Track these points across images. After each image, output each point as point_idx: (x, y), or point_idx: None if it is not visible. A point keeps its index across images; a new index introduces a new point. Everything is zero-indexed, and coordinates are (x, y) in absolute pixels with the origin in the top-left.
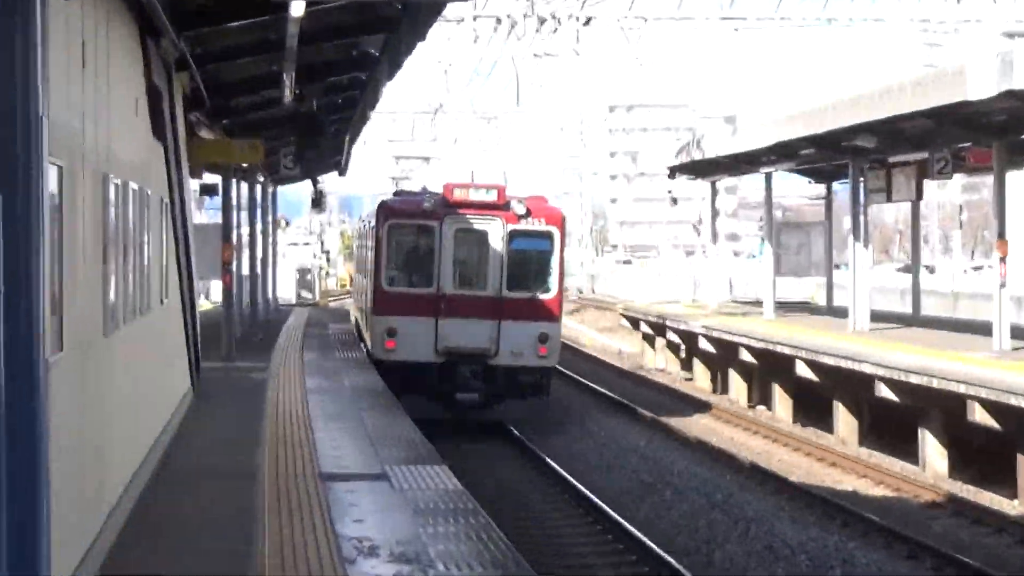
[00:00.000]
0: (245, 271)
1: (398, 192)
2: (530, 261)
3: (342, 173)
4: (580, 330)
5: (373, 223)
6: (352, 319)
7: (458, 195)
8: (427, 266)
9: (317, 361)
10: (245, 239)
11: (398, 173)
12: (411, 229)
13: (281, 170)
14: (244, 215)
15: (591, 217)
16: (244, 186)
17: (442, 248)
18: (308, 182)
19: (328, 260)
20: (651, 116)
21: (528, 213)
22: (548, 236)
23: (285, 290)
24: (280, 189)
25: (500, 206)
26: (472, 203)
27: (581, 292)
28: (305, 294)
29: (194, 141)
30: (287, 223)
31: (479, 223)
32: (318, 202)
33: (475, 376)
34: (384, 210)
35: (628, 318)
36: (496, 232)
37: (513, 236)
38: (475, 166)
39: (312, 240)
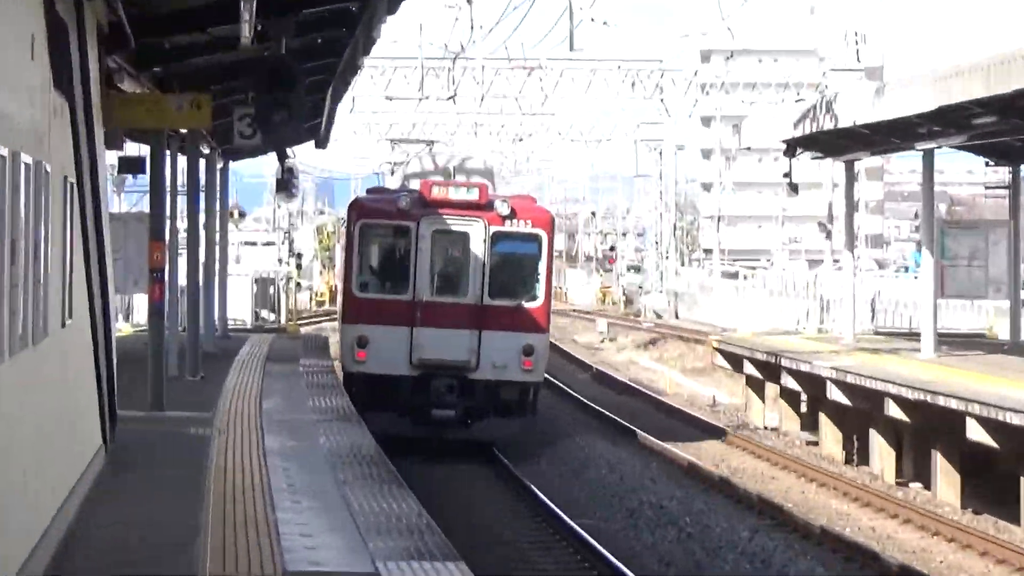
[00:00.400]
0: (182, 281)
1: (373, 189)
2: (514, 266)
3: (321, 144)
4: (659, 371)
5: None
6: (334, 351)
7: (436, 193)
8: (402, 270)
9: (282, 411)
10: (183, 236)
11: (399, 157)
12: (385, 230)
13: (236, 139)
14: (182, 202)
15: (674, 212)
16: (182, 161)
17: (419, 251)
18: (273, 157)
19: (299, 267)
20: (762, 68)
21: (513, 214)
22: (535, 239)
23: (239, 309)
24: (234, 166)
25: (482, 206)
26: (452, 202)
27: (660, 317)
28: (266, 315)
29: (113, 96)
30: (242, 214)
31: (459, 224)
32: (286, 185)
33: (451, 391)
34: (356, 209)
35: (726, 355)
36: (477, 234)
37: (496, 239)
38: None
39: (277, 239)
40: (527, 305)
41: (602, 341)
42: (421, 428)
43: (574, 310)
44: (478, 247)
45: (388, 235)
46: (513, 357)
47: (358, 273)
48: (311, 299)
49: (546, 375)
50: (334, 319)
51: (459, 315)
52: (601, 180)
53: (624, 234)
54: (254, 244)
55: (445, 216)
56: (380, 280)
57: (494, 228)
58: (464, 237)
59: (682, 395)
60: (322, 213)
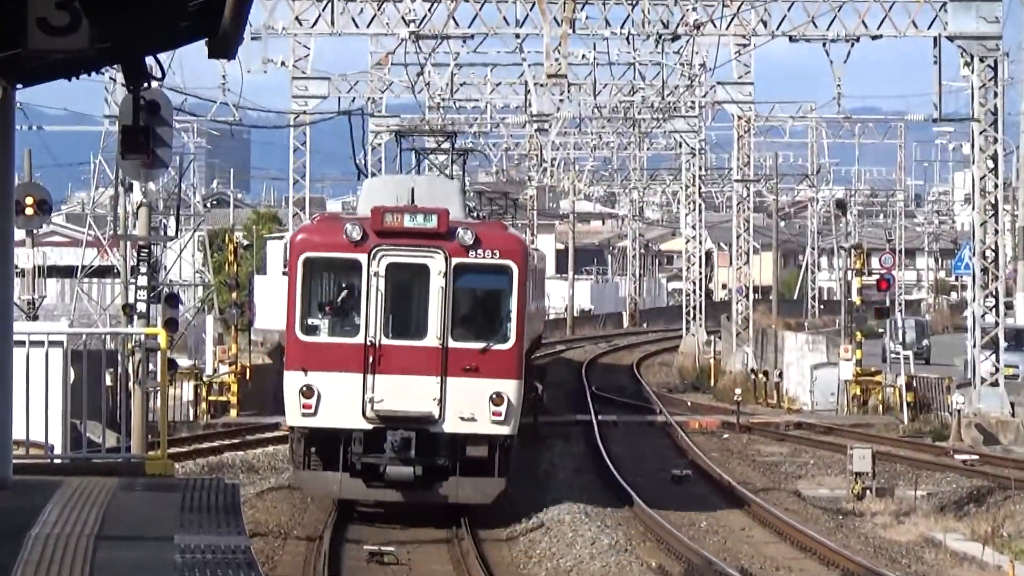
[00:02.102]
0: None
1: (322, 217)
2: (481, 303)
3: (224, 48)
4: (989, 564)
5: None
6: (256, 516)
7: (390, 221)
8: (353, 310)
9: None
10: None
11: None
12: (332, 264)
13: (33, 36)
14: None
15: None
16: None
17: (371, 288)
18: (113, 75)
19: (172, 325)
20: None
21: (478, 243)
22: (503, 271)
23: (37, 421)
24: (27, 98)
25: (442, 234)
26: (407, 231)
27: (995, 440)
28: (98, 433)
29: None
30: (45, 208)
31: (416, 256)
32: (143, 139)
33: (409, 446)
34: (298, 241)
35: None
36: (437, 267)
37: (459, 272)
38: None
39: (122, 261)
40: (496, 347)
41: (859, 494)
42: (375, 490)
43: (797, 424)
44: (438, 282)
45: (336, 270)
46: (481, 407)
47: (302, 314)
48: (199, 397)
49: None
50: (254, 441)
51: (419, 360)
52: (843, 135)
53: (902, 252)
54: (70, 274)
55: (400, 247)
56: (328, 321)
57: (456, 260)
58: (423, 271)
59: None
60: (222, 203)
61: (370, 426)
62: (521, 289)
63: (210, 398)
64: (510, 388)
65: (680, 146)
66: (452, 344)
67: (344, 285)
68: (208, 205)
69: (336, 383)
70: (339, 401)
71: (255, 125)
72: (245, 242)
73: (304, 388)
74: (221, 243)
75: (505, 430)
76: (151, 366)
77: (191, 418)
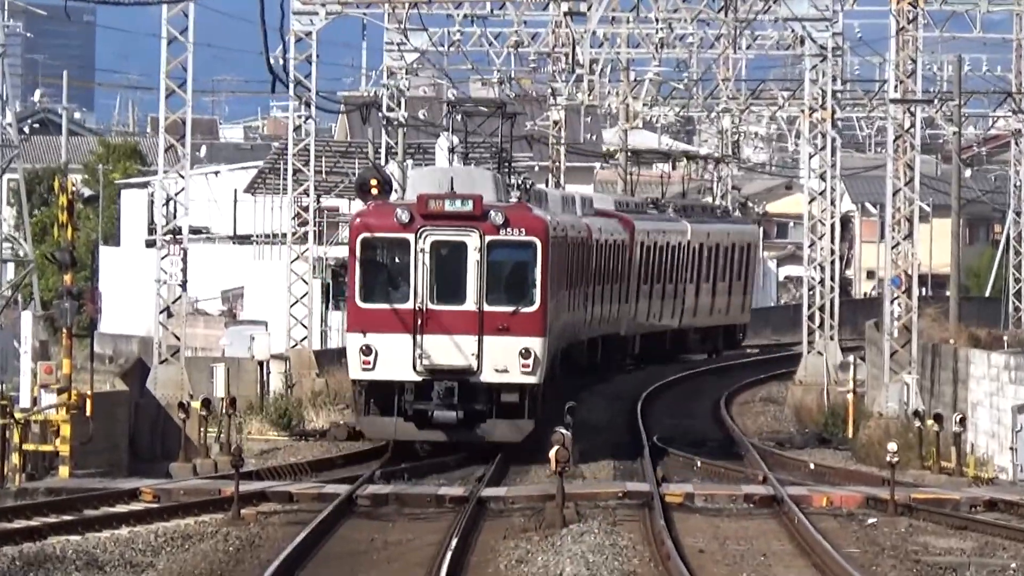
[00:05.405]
0: None
1: (376, 204)
2: (510, 273)
3: None
4: None
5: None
6: None
7: (433, 206)
8: (403, 280)
9: None
10: None
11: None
12: (385, 243)
13: None
14: None
15: None
16: None
17: (418, 261)
18: None
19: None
20: None
21: (507, 223)
22: (529, 246)
23: None
24: None
25: (477, 216)
26: (448, 214)
27: None
28: None
29: None
30: None
31: (456, 235)
32: None
33: (452, 394)
34: (356, 225)
35: None
36: (473, 243)
37: (492, 247)
38: None
39: None
40: (524, 310)
41: None
42: (425, 431)
43: (990, 502)
44: (474, 256)
45: (388, 247)
46: (512, 360)
47: (361, 284)
48: (8, 445)
49: None
50: (98, 518)
51: (460, 321)
52: None
53: None
54: None
55: (442, 227)
56: (382, 290)
57: (489, 237)
58: (461, 247)
59: None
60: (48, 127)
61: (419, 378)
62: (544, 260)
63: (26, 447)
64: (536, 344)
65: (802, 43)
66: (487, 308)
67: (396, 260)
68: (26, 131)
69: (390, 342)
70: (393, 357)
71: (104, 0)
72: (87, 191)
73: (364, 347)
74: (47, 192)
75: (533, 379)
76: None
77: None
